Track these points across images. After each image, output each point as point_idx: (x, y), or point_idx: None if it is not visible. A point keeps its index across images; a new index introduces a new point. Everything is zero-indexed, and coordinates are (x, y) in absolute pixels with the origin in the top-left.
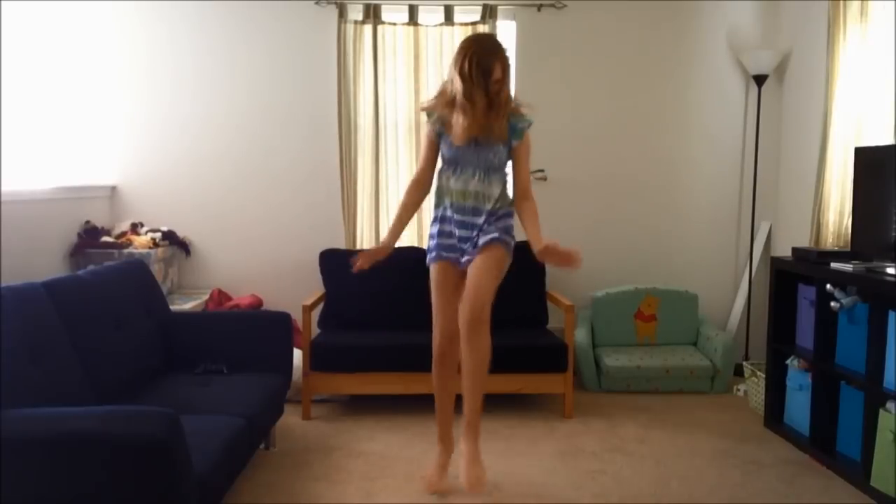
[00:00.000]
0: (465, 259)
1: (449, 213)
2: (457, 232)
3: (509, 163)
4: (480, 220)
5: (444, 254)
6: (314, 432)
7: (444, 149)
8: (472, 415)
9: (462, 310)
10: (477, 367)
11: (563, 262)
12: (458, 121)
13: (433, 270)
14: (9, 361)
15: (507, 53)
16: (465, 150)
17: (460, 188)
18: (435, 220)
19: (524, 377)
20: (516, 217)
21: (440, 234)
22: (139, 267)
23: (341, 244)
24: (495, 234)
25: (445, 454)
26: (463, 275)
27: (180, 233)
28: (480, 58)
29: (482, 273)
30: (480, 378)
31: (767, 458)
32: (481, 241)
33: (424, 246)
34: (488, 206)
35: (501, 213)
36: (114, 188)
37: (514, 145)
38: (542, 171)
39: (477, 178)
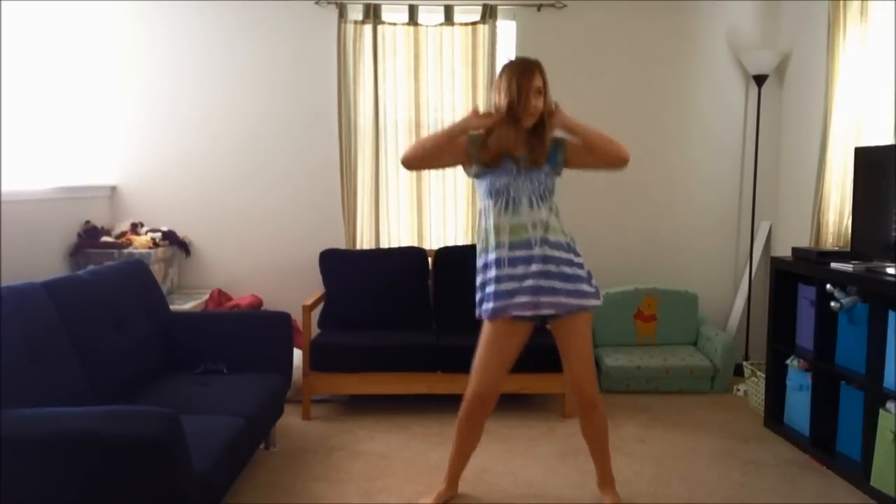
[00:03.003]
0: (543, 309)
1: (504, 254)
2: (519, 274)
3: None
4: (547, 265)
5: (507, 306)
6: (314, 432)
7: (488, 182)
8: (608, 467)
9: (573, 388)
10: (602, 435)
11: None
12: (501, 135)
13: (492, 328)
14: (9, 361)
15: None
16: (516, 177)
17: (517, 222)
18: (484, 267)
19: (524, 377)
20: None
21: (497, 279)
22: (139, 267)
23: (341, 244)
24: (595, 301)
25: (448, 494)
26: (528, 329)
27: (180, 233)
28: (521, 75)
29: (587, 350)
30: (607, 440)
31: (767, 458)
32: (572, 301)
33: (425, 246)
34: (553, 238)
35: (577, 260)
36: (114, 188)
37: (564, 149)
38: None
39: (534, 207)
